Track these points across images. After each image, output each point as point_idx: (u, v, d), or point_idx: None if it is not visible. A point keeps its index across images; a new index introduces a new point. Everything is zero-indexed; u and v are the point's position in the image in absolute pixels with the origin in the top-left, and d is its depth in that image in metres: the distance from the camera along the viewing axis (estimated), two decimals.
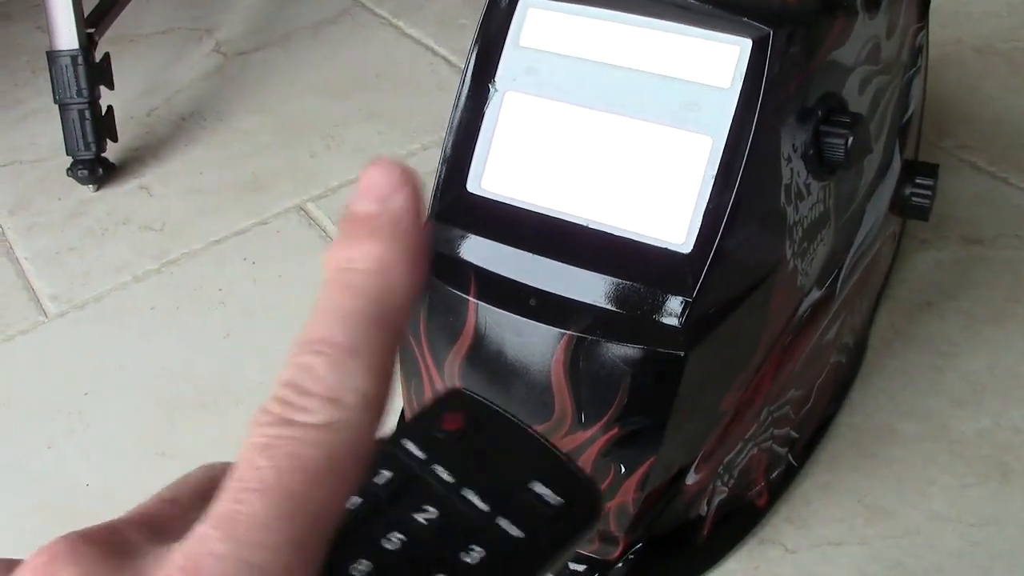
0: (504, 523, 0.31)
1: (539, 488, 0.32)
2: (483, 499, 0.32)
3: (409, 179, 0.30)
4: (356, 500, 0.31)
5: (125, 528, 0.29)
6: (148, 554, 0.27)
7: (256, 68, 1.45)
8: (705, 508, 0.77)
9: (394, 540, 0.30)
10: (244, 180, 1.23)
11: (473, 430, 0.33)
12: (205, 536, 0.26)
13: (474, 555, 0.31)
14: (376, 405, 0.28)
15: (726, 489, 0.77)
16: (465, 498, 0.32)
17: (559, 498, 0.32)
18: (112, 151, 1.26)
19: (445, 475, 0.32)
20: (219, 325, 1.03)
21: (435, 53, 1.43)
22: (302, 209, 1.17)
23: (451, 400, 0.35)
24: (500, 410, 0.34)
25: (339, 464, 0.27)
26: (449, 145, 0.73)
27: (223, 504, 0.26)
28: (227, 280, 1.09)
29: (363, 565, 0.30)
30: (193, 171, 1.26)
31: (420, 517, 0.31)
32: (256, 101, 1.38)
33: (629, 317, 0.65)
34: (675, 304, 0.64)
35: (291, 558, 0.26)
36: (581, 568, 0.76)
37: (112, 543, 0.28)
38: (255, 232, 1.15)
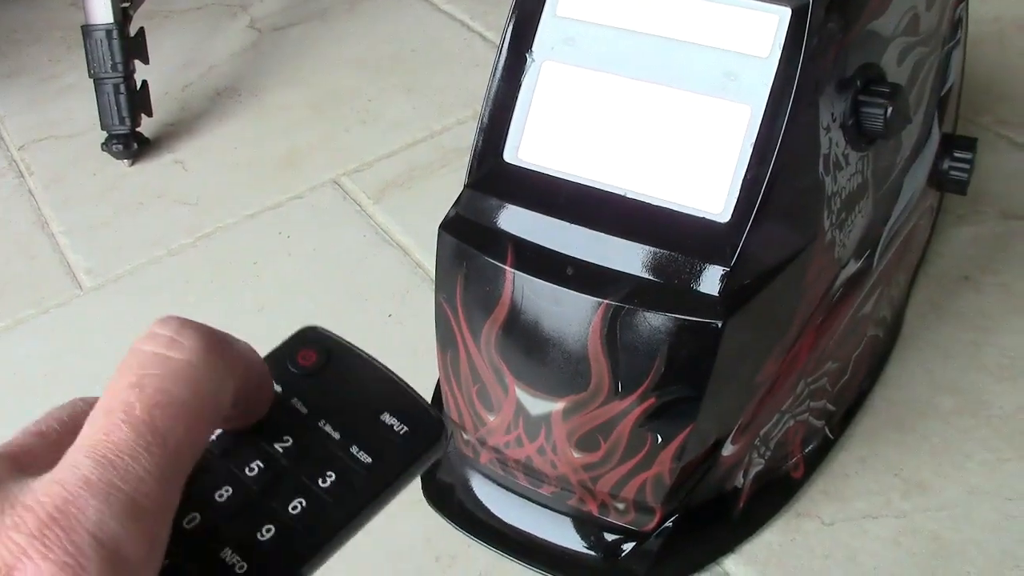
0: (355, 450, 0.34)
1: (387, 419, 0.35)
2: (335, 429, 0.35)
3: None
4: (217, 432, 0.34)
5: None
6: (12, 485, 0.28)
7: (291, 43, 1.45)
8: (741, 480, 0.76)
9: (254, 468, 0.34)
10: (279, 154, 1.23)
11: (327, 365, 0.36)
12: (77, 461, 0.28)
13: (328, 480, 0.33)
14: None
15: (762, 461, 0.77)
16: (320, 428, 0.35)
17: (404, 427, 0.35)
18: (147, 126, 1.26)
19: (301, 407, 0.35)
20: (253, 298, 1.04)
21: (470, 29, 1.43)
22: (337, 183, 1.17)
23: (305, 337, 0.38)
24: (352, 347, 0.37)
25: (201, 400, 0.30)
26: (486, 115, 0.72)
27: (93, 435, 0.29)
28: (262, 254, 1.09)
29: (225, 491, 0.33)
30: (228, 146, 1.26)
31: (278, 446, 0.34)
32: (291, 76, 1.38)
33: (666, 286, 0.65)
34: (713, 273, 0.64)
35: (157, 484, 0.28)
36: (618, 539, 0.76)
37: None
38: (290, 206, 1.15)
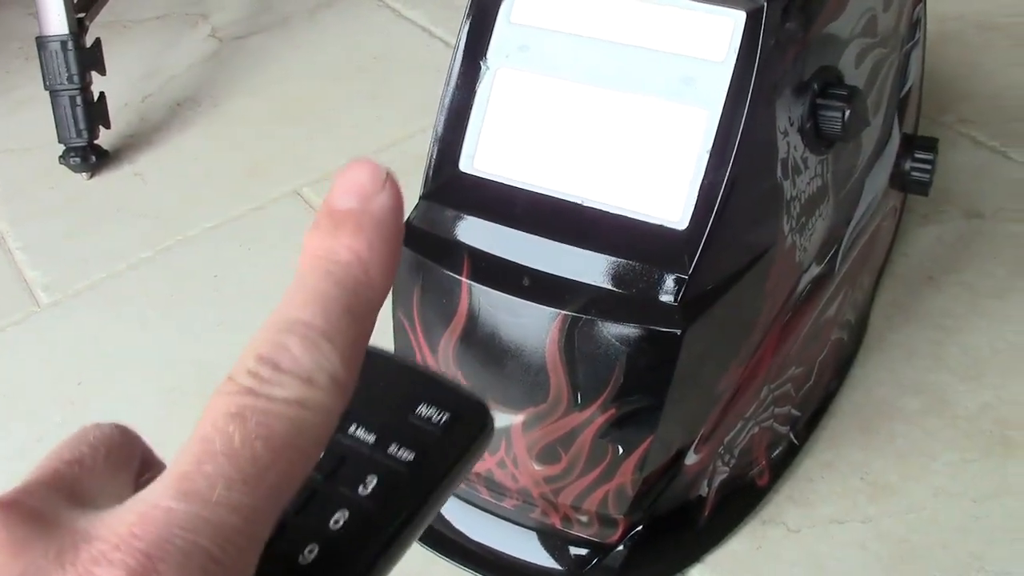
0: (394, 449, 0.31)
1: (424, 410, 0.32)
2: (369, 432, 0.32)
3: (392, 180, 0.30)
4: None
5: (36, 490, 0.27)
6: (75, 518, 0.26)
7: (252, 53, 1.44)
8: (706, 488, 0.76)
9: None
10: (240, 166, 1.22)
11: None
12: (162, 494, 0.26)
13: (370, 486, 0.31)
14: (344, 390, 0.28)
15: (727, 469, 0.76)
16: (351, 435, 0.32)
17: (445, 414, 0.32)
18: (106, 138, 1.24)
19: None
20: (214, 312, 1.03)
21: (432, 35, 1.42)
22: (298, 194, 1.16)
23: None
24: (377, 350, 0.33)
25: (305, 440, 0.27)
26: (441, 124, 0.72)
27: (183, 465, 0.26)
28: (222, 266, 1.08)
29: None
30: (188, 157, 1.25)
31: None
32: (252, 86, 1.37)
33: (625, 296, 0.64)
34: (671, 282, 0.63)
35: (247, 523, 0.26)
36: (583, 552, 0.75)
37: (25, 508, 0.26)
38: (251, 218, 1.14)
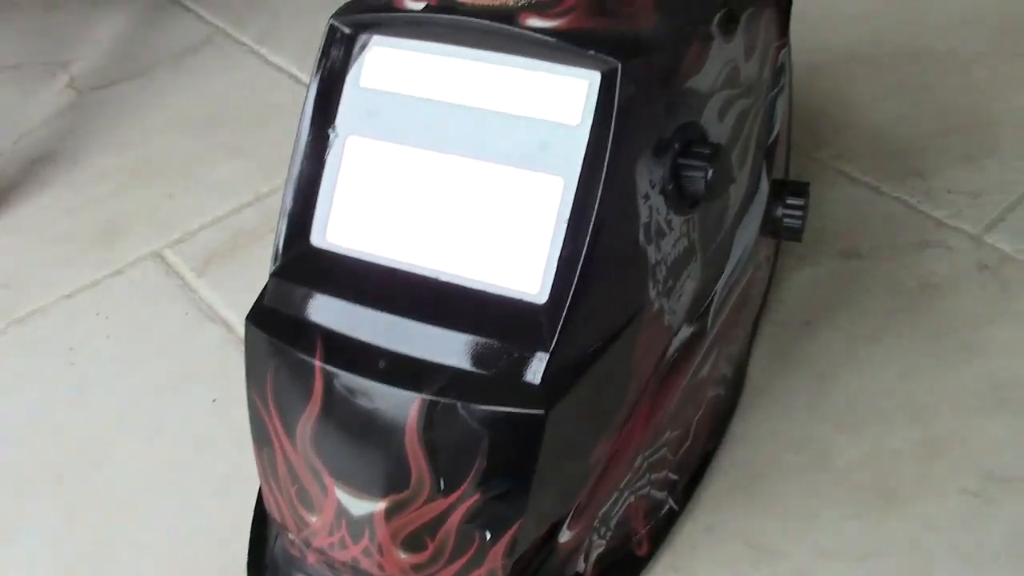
0: None
1: None
2: None
3: None
4: None
5: None
6: None
7: (113, 104, 1.39)
8: (583, 564, 0.73)
9: None
10: (98, 227, 1.17)
11: None
12: None
13: None
14: None
15: (603, 542, 0.73)
16: None
17: None
18: None
19: None
20: (69, 386, 0.97)
21: (299, 81, 1.38)
22: (159, 256, 1.11)
23: None
24: None
25: None
26: (289, 196, 0.68)
27: None
28: (79, 337, 1.02)
29: None
30: (44, 219, 1.19)
31: None
32: (113, 140, 1.31)
33: (485, 376, 0.61)
34: (533, 359, 0.60)
35: None
36: None
37: None
38: (108, 283, 1.09)
